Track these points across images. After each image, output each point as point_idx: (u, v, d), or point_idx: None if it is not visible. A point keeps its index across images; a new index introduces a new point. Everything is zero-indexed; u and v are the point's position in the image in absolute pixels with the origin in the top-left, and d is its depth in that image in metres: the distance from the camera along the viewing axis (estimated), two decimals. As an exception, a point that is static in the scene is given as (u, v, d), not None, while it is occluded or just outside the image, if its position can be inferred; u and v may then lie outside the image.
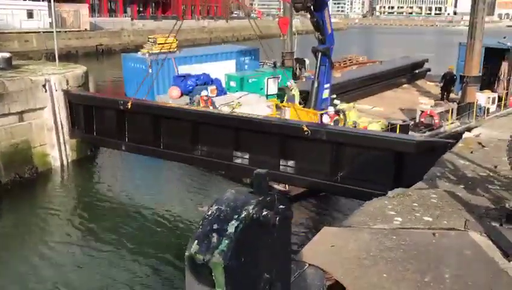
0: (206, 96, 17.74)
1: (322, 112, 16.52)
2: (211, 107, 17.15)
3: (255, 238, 2.14)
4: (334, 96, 18.47)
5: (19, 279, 10.50)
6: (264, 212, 2.15)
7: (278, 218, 2.15)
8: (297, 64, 27.73)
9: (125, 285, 10.42)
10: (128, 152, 16.34)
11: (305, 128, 11.98)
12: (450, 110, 19.31)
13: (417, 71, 30.44)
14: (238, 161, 13.40)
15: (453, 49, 29.91)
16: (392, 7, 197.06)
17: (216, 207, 2.18)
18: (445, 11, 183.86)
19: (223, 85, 22.07)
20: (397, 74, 28.47)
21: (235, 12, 78.64)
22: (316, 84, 16.89)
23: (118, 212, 14.11)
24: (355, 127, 17.60)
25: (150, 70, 20.30)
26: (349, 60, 33.33)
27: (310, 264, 3.72)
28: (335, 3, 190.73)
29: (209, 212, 2.17)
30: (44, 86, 16.22)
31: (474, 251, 4.80)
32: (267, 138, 12.94)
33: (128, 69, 23.86)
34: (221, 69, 23.88)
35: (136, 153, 15.99)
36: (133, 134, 15.49)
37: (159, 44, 22.76)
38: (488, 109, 20.59)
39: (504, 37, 24.66)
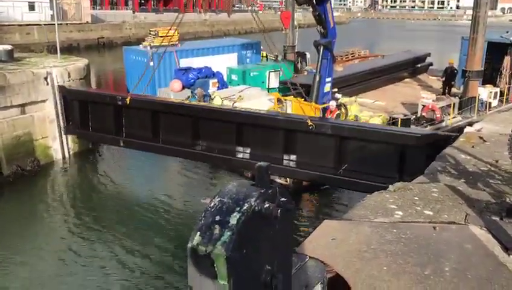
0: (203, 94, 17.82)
1: (324, 105, 16.50)
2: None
3: (256, 230, 2.16)
4: (336, 90, 18.42)
5: (19, 270, 10.56)
6: (266, 205, 2.16)
7: (279, 210, 2.16)
8: (299, 58, 27.67)
9: (126, 275, 10.48)
10: (126, 148, 16.23)
11: (310, 123, 12.00)
12: (452, 105, 19.27)
13: (419, 65, 30.34)
14: (240, 155, 13.41)
15: (455, 43, 29.81)
16: (395, 0, 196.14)
17: (218, 199, 2.20)
18: (448, 5, 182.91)
19: (225, 78, 22.05)
20: (399, 68, 28.38)
21: (237, 5, 78.40)
22: (317, 78, 16.83)
23: (119, 205, 14.16)
24: (356, 121, 17.59)
25: (152, 63, 20.26)
26: (351, 53, 33.21)
27: (310, 257, 3.73)
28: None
29: (212, 204, 2.19)
30: (45, 78, 16.23)
31: (474, 244, 4.82)
32: (270, 133, 12.95)
33: (130, 62, 23.83)
34: (223, 62, 23.84)
35: (135, 148, 15.87)
36: (131, 130, 15.35)
37: (160, 37, 22.70)
38: (489, 103, 20.54)
39: (507, 32, 24.54)
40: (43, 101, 16.29)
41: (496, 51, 22.68)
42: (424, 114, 18.69)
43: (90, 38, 50.54)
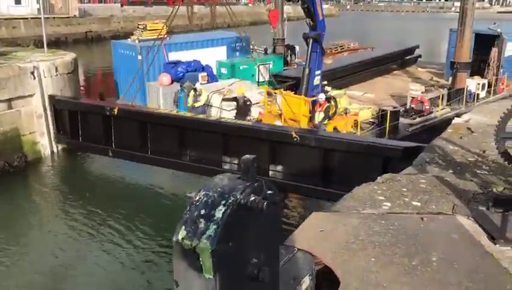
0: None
1: (313, 98, 16.53)
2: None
3: (242, 223, 2.15)
4: (325, 82, 18.43)
5: (9, 265, 10.49)
6: (252, 198, 2.15)
7: (265, 203, 2.14)
8: (289, 51, 27.65)
9: (113, 269, 10.49)
10: (115, 158, 15.83)
11: (294, 135, 12.01)
12: (441, 96, 19.42)
13: (408, 57, 30.50)
14: (227, 166, 13.34)
15: (444, 36, 29.94)
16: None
17: (204, 193, 2.19)
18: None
19: (214, 72, 21.96)
20: (388, 60, 28.52)
21: (226, -2, 77.82)
22: (307, 71, 16.81)
23: (107, 199, 14.10)
24: (346, 113, 17.63)
25: (140, 57, 20.11)
26: (341, 46, 33.24)
27: (299, 249, 3.75)
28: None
29: (197, 198, 2.18)
30: (32, 73, 16.03)
31: (461, 234, 4.87)
32: (256, 144, 12.83)
33: (118, 56, 23.63)
34: (212, 55, 23.73)
35: (124, 159, 15.56)
36: (120, 140, 15.17)
37: (149, 30, 22.53)
38: (477, 94, 20.73)
39: (494, 23, 24.72)
40: (31, 96, 16.10)
41: (483, 43, 22.85)
42: (413, 106, 18.82)
43: (78, 32, 50.00)
